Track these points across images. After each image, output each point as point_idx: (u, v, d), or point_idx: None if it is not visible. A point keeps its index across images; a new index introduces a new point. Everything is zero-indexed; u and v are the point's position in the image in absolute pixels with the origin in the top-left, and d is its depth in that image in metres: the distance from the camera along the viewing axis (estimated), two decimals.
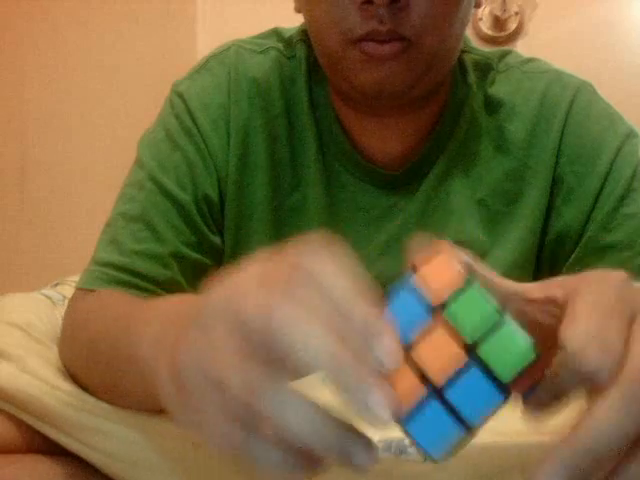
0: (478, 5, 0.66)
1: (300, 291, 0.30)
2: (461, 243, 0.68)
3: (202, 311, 0.33)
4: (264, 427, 0.30)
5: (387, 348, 0.29)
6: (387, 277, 0.67)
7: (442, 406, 0.30)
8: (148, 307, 0.48)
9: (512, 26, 1.70)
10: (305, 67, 0.69)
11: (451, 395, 0.30)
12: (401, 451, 0.48)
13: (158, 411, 0.51)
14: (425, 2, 0.57)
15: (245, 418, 0.30)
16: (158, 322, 0.42)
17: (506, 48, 0.75)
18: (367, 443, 0.30)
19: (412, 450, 0.48)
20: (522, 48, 1.62)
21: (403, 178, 0.69)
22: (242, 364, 0.30)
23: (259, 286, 0.32)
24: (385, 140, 0.68)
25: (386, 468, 0.49)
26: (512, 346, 0.30)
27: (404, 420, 0.30)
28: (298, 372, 0.30)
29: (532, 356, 0.30)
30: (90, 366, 0.55)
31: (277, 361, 0.30)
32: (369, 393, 0.28)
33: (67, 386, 0.55)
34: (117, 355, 0.48)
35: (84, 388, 0.55)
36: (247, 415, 0.30)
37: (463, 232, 0.68)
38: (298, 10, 0.66)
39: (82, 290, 0.62)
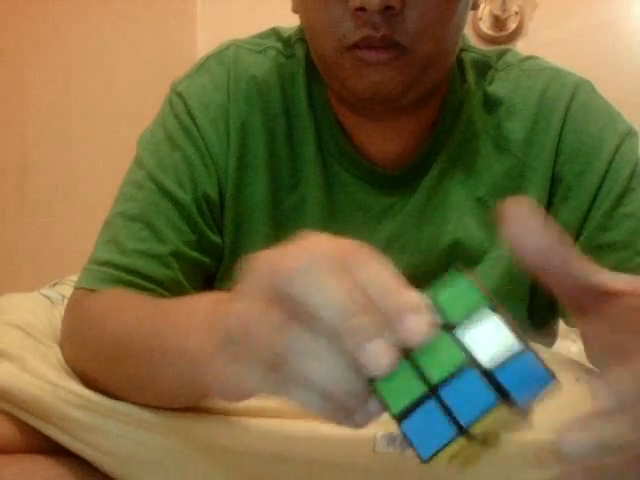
0: (476, 7, 0.66)
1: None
2: (461, 242, 0.69)
3: (246, 277, 0.35)
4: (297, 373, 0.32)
5: (420, 324, 0.30)
6: None
7: (437, 405, 0.29)
8: (183, 301, 0.48)
9: (512, 26, 1.71)
10: (304, 66, 0.69)
11: (446, 394, 0.29)
12: (405, 446, 0.48)
13: (184, 407, 0.51)
14: (419, 8, 0.57)
15: (277, 366, 0.32)
16: (202, 312, 0.42)
17: (505, 47, 0.75)
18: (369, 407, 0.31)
19: None
20: (522, 48, 1.62)
21: (402, 177, 0.69)
22: (271, 317, 0.32)
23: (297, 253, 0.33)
24: (384, 140, 0.68)
25: (391, 464, 0.49)
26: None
27: (399, 416, 0.30)
28: (322, 326, 0.31)
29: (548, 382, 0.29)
30: (112, 366, 0.54)
31: (304, 316, 0.31)
32: (373, 340, 0.29)
33: (68, 384, 0.55)
34: (154, 349, 0.48)
35: (100, 389, 0.55)
36: (279, 362, 0.32)
37: (462, 231, 0.68)
38: (295, 10, 0.66)
39: (83, 289, 0.62)
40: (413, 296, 0.31)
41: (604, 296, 0.34)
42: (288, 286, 0.32)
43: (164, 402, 0.52)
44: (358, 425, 0.32)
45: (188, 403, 0.52)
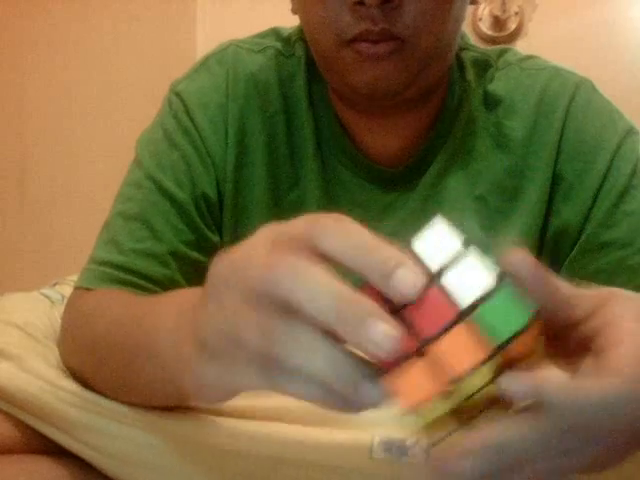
0: (474, 2, 0.66)
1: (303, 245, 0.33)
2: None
3: (212, 281, 0.36)
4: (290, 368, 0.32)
5: (410, 277, 0.31)
6: None
7: None
8: (158, 301, 0.49)
9: (512, 26, 1.70)
10: (304, 65, 0.69)
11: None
12: (402, 453, 0.48)
13: (171, 406, 0.51)
14: (418, 1, 0.57)
15: (271, 363, 0.32)
16: (173, 312, 0.43)
17: (505, 46, 0.75)
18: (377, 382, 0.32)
19: (413, 452, 0.48)
20: (522, 48, 1.61)
21: (402, 175, 0.69)
22: (256, 318, 0.32)
23: (262, 247, 0.34)
24: (384, 137, 0.68)
25: (388, 469, 0.48)
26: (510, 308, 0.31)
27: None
28: (313, 318, 0.31)
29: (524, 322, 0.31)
30: (99, 365, 0.54)
31: (290, 310, 0.32)
32: (373, 324, 0.30)
33: (67, 384, 0.55)
34: (132, 349, 0.48)
35: (91, 388, 0.55)
36: (272, 360, 0.32)
37: (462, 229, 0.68)
38: (295, 11, 0.66)
39: (80, 289, 0.62)
40: (393, 250, 0.32)
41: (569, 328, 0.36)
42: (267, 286, 0.32)
43: (149, 402, 0.52)
44: (356, 410, 0.33)
45: (174, 403, 0.52)
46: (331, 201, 0.69)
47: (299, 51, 0.70)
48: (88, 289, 0.61)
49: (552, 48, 1.52)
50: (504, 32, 1.71)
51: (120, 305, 0.55)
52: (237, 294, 0.33)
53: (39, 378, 0.55)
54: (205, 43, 1.71)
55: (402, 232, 0.72)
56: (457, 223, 0.33)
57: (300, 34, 0.71)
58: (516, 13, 1.70)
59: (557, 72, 0.70)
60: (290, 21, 0.73)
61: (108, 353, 0.52)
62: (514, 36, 1.72)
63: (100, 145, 1.60)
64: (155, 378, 0.46)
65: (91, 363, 0.55)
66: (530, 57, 0.72)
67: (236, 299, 0.33)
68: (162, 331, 0.44)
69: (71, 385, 0.55)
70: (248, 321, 0.33)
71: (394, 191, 0.69)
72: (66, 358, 0.59)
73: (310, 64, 0.69)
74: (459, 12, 0.62)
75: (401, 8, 0.57)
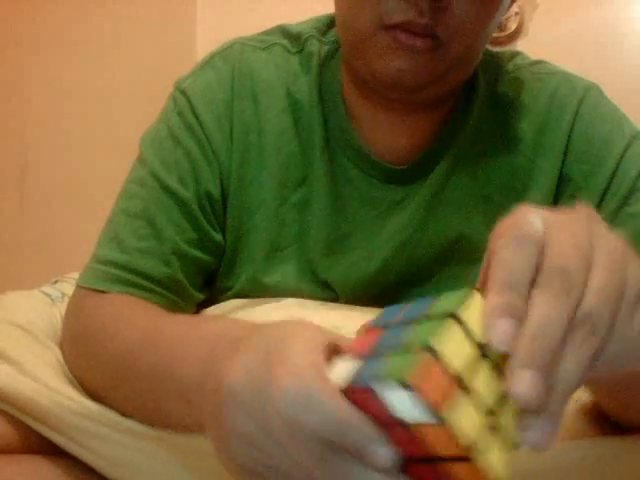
0: (500, 25, 0.66)
1: None
2: (466, 238, 0.69)
3: (228, 399, 0.37)
4: None
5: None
6: (392, 271, 0.68)
7: None
8: (185, 332, 0.49)
9: (512, 26, 1.70)
10: (317, 61, 0.69)
11: None
12: None
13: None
14: (466, 7, 0.58)
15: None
16: (201, 357, 0.43)
17: (514, 50, 0.76)
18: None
19: None
20: (522, 48, 1.61)
21: (410, 173, 0.69)
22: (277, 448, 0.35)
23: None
24: (394, 134, 0.68)
25: None
26: None
27: None
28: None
29: None
30: (113, 384, 0.54)
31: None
32: (374, 450, 0.33)
33: (65, 390, 0.55)
34: (153, 378, 0.48)
35: (97, 398, 0.55)
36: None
37: (468, 227, 0.68)
38: None
39: (84, 289, 0.62)
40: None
41: None
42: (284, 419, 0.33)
43: (166, 427, 0.51)
44: None
45: (190, 432, 0.51)
46: (338, 198, 0.69)
47: (312, 48, 0.70)
48: (92, 289, 0.61)
49: (552, 48, 1.52)
50: (504, 32, 1.71)
51: (140, 326, 0.54)
52: (252, 422, 0.36)
53: (37, 382, 0.55)
54: (205, 43, 1.71)
55: (408, 229, 0.73)
56: None
57: (312, 31, 0.71)
58: (516, 13, 1.70)
59: (566, 77, 0.71)
60: (290, 22, 0.73)
61: (125, 377, 0.52)
62: (514, 36, 1.72)
63: (100, 145, 1.59)
64: (176, 408, 0.46)
65: (103, 380, 0.55)
66: (539, 62, 0.73)
67: (252, 426, 0.36)
68: (189, 374, 0.44)
69: (68, 391, 0.55)
70: (268, 450, 0.35)
71: (402, 189, 0.69)
72: (72, 365, 0.59)
73: (323, 60, 0.69)
74: (494, 24, 0.62)
75: (449, 9, 0.57)
